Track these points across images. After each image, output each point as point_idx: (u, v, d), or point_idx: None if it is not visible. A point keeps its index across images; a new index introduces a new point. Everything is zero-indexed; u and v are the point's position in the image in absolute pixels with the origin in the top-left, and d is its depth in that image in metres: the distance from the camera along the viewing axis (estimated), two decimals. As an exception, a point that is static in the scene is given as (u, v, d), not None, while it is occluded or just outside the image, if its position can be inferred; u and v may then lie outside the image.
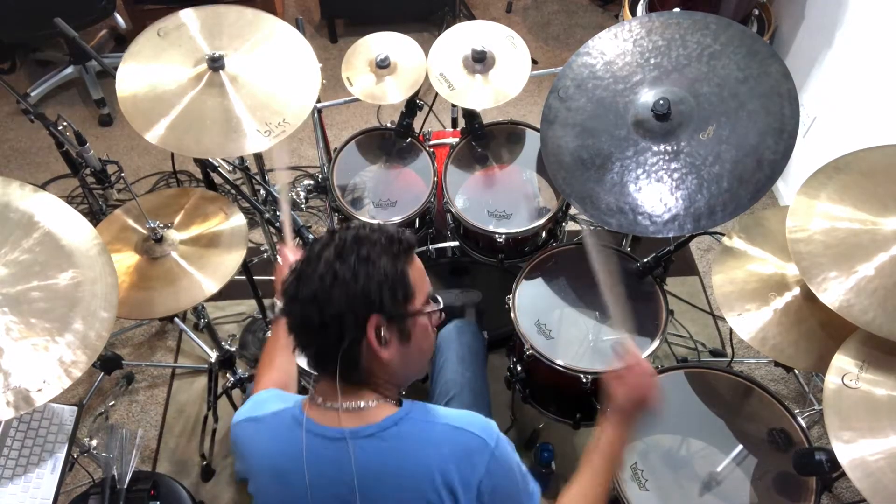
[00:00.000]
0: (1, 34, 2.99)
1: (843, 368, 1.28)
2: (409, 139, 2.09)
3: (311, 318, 0.98)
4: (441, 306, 1.10)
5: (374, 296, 0.97)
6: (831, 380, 1.27)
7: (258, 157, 2.03)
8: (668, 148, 1.56)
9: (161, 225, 1.67)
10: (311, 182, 2.12)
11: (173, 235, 1.69)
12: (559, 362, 1.63)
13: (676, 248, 1.75)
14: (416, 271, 1.06)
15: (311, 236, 1.68)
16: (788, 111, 1.48)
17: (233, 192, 1.75)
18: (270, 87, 1.61)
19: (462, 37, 1.96)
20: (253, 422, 1.12)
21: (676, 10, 1.65)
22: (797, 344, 1.47)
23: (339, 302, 0.96)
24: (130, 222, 1.72)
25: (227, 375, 2.12)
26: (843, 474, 1.19)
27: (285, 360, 1.37)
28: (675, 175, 1.55)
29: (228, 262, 1.64)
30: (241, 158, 1.94)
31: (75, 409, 1.67)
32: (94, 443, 1.73)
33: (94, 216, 2.25)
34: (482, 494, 1.02)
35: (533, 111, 3.21)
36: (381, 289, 0.98)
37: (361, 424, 1.03)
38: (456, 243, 2.10)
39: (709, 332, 2.47)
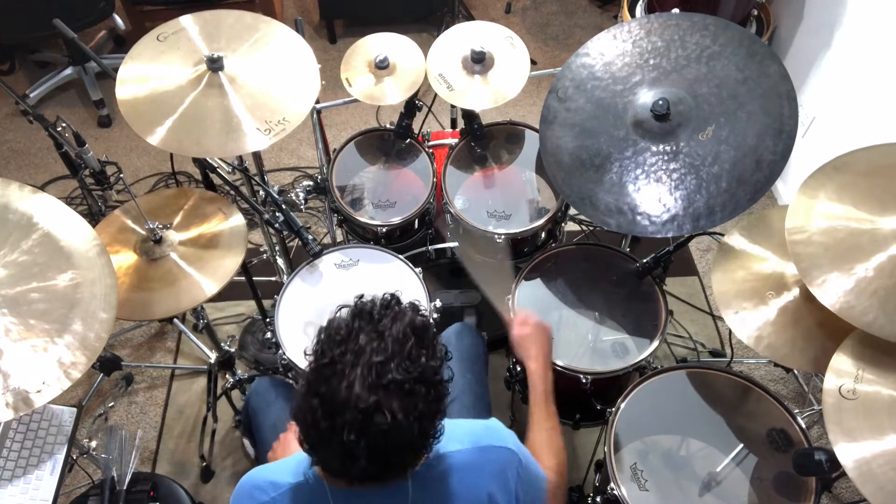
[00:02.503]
0: (0, 35, 2.99)
1: (842, 371, 1.28)
2: (409, 140, 2.09)
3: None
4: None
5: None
6: (829, 388, 1.27)
7: (257, 158, 2.02)
8: (667, 148, 1.56)
9: (160, 226, 1.67)
10: (311, 183, 2.11)
11: (172, 236, 1.68)
12: (559, 363, 1.63)
13: (676, 249, 1.75)
14: None
15: (310, 237, 1.68)
16: (787, 111, 1.49)
17: (232, 192, 1.75)
18: (270, 87, 1.61)
19: (461, 37, 1.96)
20: None
21: (675, 11, 1.66)
22: (793, 343, 1.47)
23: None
24: (129, 223, 1.72)
25: (227, 376, 2.11)
26: (843, 474, 1.19)
27: None
28: (674, 175, 1.55)
29: (228, 263, 1.63)
30: (241, 159, 1.93)
31: (75, 410, 1.67)
32: (93, 444, 1.73)
33: (94, 217, 2.25)
34: (518, 498, 1.10)
35: (532, 112, 3.21)
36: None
37: (398, 478, 1.00)
38: (455, 244, 2.09)
39: (708, 333, 2.47)
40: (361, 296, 0.96)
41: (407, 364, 0.88)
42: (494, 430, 1.14)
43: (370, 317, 0.92)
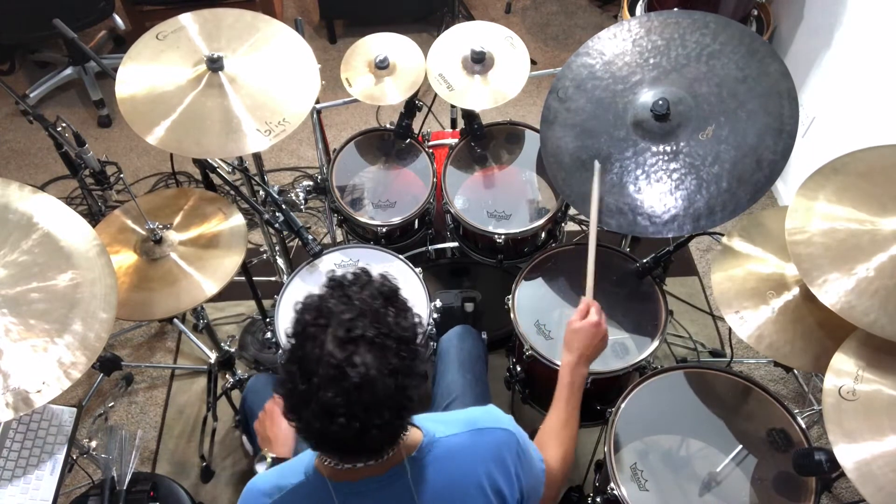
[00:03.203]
0: (0, 35, 2.99)
1: (842, 371, 1.28)
2: (409, 140, 2.09)
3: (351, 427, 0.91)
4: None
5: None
6: (829, 388, 1.27)
7: (257, 158, 2.02)
8: (668, 148, 1.56)
9: (160, 226, 1.67)
10: (311, 183, 2.11)
11: (172, 236, 1.68)
12: (559, 363, 1.62)
13: (676, 249, 1.75)
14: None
15: (310, 237, 1.68)
16: (787, 111, 1.48)
17: (232, 192, 1.75)
18: (270, 88, 1.61)
19: (461, 37, 1.96)
20: None
21: (675, 10, 1.65)
22: (793, 343, 1.47)
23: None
24: (129, 223, 1.72)
25: (227, 376, 2.12)
26: (843, 474, 1.19)
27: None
28: (675, 175, 1.55)
29: (228, 263, 1.63)
30: (241, 159, 1.93)
31: (74, 410, 1.67)
32: (93, 444, 1.73)
33: (94, 217, 2.25)
34: (519, 479, 1.11)
35: (532, 112, 3.21)
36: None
37: (396, 464, 1.03)
38: (455, 244, 2.09)
39: (708, 333, 2.47)
40: (333, 271, 1.01)
41: (375, 320, 0.91)
42: (491, 413, 1.15)
43: (340, 286, 0.96)
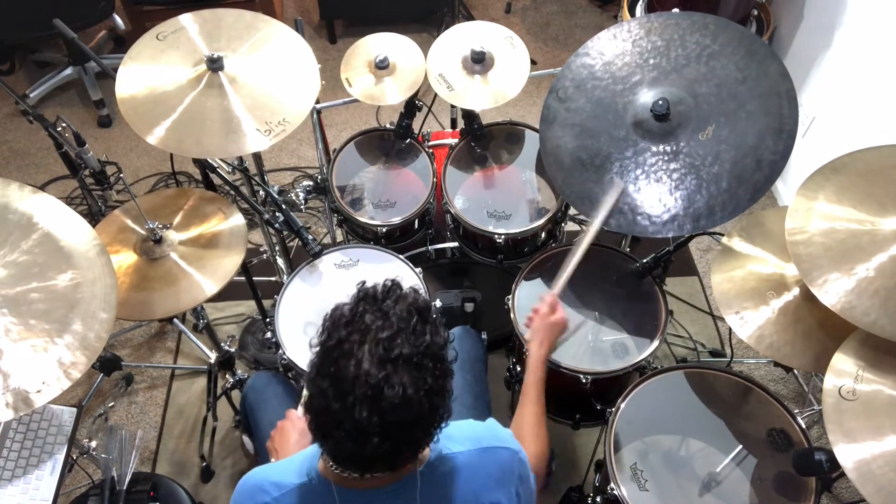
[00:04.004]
0: (0, 35, 2.99)
1: (842, 371, 1.28)
2: (409, 140, 2.09)
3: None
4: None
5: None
6: (829, 388, 1.27)
7: (257, 158, 2.02)
8: (668, 148, 1.56)
9: (160, 226, 1.67)
10: (311, 183, 2.11)
11: (172, 236, 1.68)
12: (560, 362, 1.63)
13: (676, 249, 1.75)
14: None
15: (310, 237, 1.68)
16: (787, 111, 1.48)
17: (232, 192, 1.75)
18: (270, 88, 1.61)
19: (461, 37, 1.96)
20: None
21: (675, 10, 1.65)
22: (794, 343, 1.47)
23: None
24: (129, 223, 1.72)
25: (227, 376, 2.11)
26: (843, 474, 1.19)
27: None
28: (675, 175, 1.55)
29: (228, 263, 1.63)
30: (241, 159, 1.93)
31: (74, 410, 1.67)
32: (93, 444, 1.72)
33: (94, 217, 2.25)
34: (519, 497, 1.11)
35: (532, 112, 3.21)
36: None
37: (403, 477, 1.02)
38: (455, 244, 2.10)
39: (708, 333, 2.47)
40: (364, 282, 0.97)
41: (413, 339, 0.89)
42: (493, 431, 1.16)
43: (374, 299, 0.93)
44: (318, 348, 0.93)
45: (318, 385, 0.89)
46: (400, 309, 0.92)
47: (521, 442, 1.21)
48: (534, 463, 1.25)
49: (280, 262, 2.42)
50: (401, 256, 1.83)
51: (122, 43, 3.52)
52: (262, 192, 2.06)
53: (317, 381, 0.90)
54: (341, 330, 0.90)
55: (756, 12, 2.68)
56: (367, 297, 0.94)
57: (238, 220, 1.71)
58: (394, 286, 0.96)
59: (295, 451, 1.30)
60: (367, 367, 0.86)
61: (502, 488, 1.09)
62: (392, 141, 2.11)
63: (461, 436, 1.11)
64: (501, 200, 1.96)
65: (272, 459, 1.34)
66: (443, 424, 0.96)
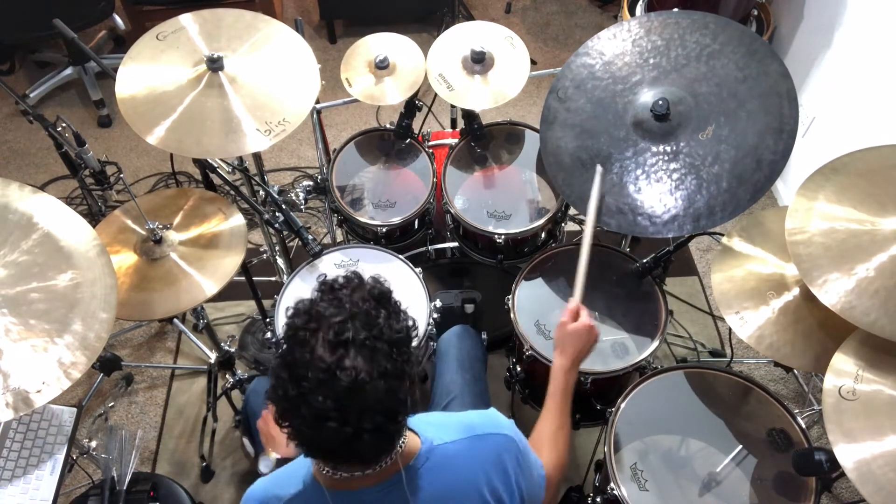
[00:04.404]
0: (0, 35, 2.99)
1: (842, 371, 1.28)
2: (409, 140, 2.09)
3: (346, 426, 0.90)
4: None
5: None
6: (829, 388, 1.27)
7: (257, 158, 2.02)
8: (668, 148, 1.56)
9: (160, 226, 1.67)
10: (311, 183, 2.11)
11: (172, 236, 1.68)
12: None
13: (676, 249, 1.75)
14: None
15: (310, 237, 1.68)
16: (787, 111, 1.48)
17: (232, 192, 1.75)
18: (270, 88, 1.61)
19: (461, 37, 1.96)
20: None
21: (675, 10, 1.65)
22: (794, 343, 1.47)
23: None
24: (129, 223, 1.72)
25: (227, 376, 2.11)
26: (843, 474, 1.19)
27: None
28: (675, 175, 1.55)
29: (228, 263, 1.63)
30: (241, 159, 1.93)
31: (74, 410, 1.67)
32: (93, 444, 1.73)
33: (94, 217, 2.25)
34: (519, 486, 1.10)
35: (532, 112, 3.21)
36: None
37: (395, 473, 1.02)
38: (455, 244, 2.10)
39: (708, 333, 2.47)
40: (324, 275, 0.99)
41: (366, 323, 0.90)
42: (491, 418, 1.14)
43: (331, 289, 0.95)
44: (281, 341, 0.95)
45: (277, 374, 0.91)
46: (356, 297, 0.94)
47: (537, 451, 1.21)
48: (551, 473, 1.24)
49: (280, 262, 2.42)
50: (401, 256, 1.83)
51: (122, 43, 3.52)
52: (262, 192, 2.06)
53: (277, 370, 0.92)
54: (298, 320, 0.92)
55: (756, 12, 2.68)
56: (324, 289, 0.96)
57: (238, 220, 1.71)
58: (352, 277, 0.98)
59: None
60: (319, 353, 0.88)
61: (499, 475, 1.07)
62: (392, 141, 2.11)
63: (455, 425, 1.10)
64: (501, 200, 1.96)
65: (265, 444, 1.37)
66: (409, 413, 0.96)
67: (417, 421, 1.09)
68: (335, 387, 0.87)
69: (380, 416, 0.90)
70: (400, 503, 1.02)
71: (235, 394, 2.16)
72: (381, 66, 1.93)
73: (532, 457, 1.17)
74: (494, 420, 1.14)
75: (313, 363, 0.88)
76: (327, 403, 0.87)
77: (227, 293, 1.67)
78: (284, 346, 0.93)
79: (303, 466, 1.08)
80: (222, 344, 2.03)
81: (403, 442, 1.02)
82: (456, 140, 2.08)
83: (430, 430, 1.09)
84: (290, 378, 0.89)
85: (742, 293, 1.55)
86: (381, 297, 0.96)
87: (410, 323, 0.98)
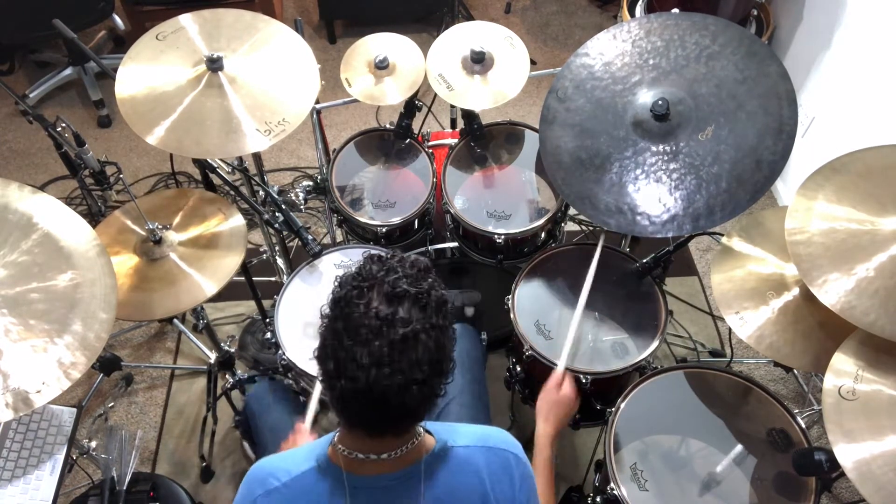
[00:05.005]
0: (0, 35, 2.99)
1: (842, 371, 1.28)
2: (408, 140, 2.09)
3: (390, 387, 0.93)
4: None
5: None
6: (829, 388, 1.27)
7: (257, 158, 2.02)
8: (667, 148, 1.56)
9: (160, 226, 1.67)
10: (310, 183, 2.12)
11: (172, 237, 1.68)
12: (558, 363, 1.63)
13: (675, 249, 1.75)
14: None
15: (310, 237, 1.68)
16: (787, 111, 1.49)
17: (231, 193, 1.75)
18: (270, 88, 1.61)
19: (461, 37, 1.96)
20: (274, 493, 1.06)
21: (675, 11, 1.66)
22: (794, 343, 1.47)
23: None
24: (129, 224, 1.72)
25: (227, 376, 2.11)
26: (843, 474, 1.19)
27: None
28: (674, 175, 1.55)
29: (227, 264, 1.63)
30: (240, 159, 1.93)
31: (74, 410, 1.67)
32: (93, 444, 1.73)
33: (94, 217, 2.25)
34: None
35: (532, 112, 3.21)
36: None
37: (408, 465, 1.04)
38: (455, 244, 2.09)
39: (708, 333, 2.47)
40: (367, 250, 1.03)
41: (416, 282, 0.96)
42: (504, 436, 1.16)
43: (379, 259, 1.00)
44: (329, 303, 0.98)
45: (332, 328, 0.95)
46: (403, 263, 0.99)
47: None
48: None
49: (280, 262, 2.42)
50: (401, 256, 1.83)
51: (121, 43, 3.52)
52: (261, 192, 2.06)
53: (330, 324, 0.95)
54: (351, 282, 0.96)
55: (756, 12, 2.68)
56: (372, 258, 1.00)
57: (238, 220, 1.71)
58: (396, 252, 1.03)
59: None
60: (375, 305, 0.92)
61: (504, 487, 1.09)
62: (392, 141, 2.11)
63: (468, 433, 1.12)
64: (501, 200, 1.97)
65: None
66: (448, 366, 0.99)
67: (430, 425, 1.10)
68: (391, 336, 0.91)
69: (428, 367, 0.94)
70: (413, 493, 1.03)
71: (235, 394, 2.16)
72: (381, 67, 1.94)
73: (535, 486, 1.17)
74: (507, 439, 1.16)
75: (370, 313, 0.92)
76: (384, 349, 0.91)
77: (227, 293, 1.67)
78: (333, 305, 0.97)
79: (315, 448, 1.08)
80: (222, 344, 2.03)
81: (420, 435, 1.04)
82: (456, 140, 2.08)
83: (443, 432, 1.10)
84: (346, 328, 0.93)
85: (742, 293, 1.55)
86: (424, 266, 1.01)
87: (445, 292, 1.03)
